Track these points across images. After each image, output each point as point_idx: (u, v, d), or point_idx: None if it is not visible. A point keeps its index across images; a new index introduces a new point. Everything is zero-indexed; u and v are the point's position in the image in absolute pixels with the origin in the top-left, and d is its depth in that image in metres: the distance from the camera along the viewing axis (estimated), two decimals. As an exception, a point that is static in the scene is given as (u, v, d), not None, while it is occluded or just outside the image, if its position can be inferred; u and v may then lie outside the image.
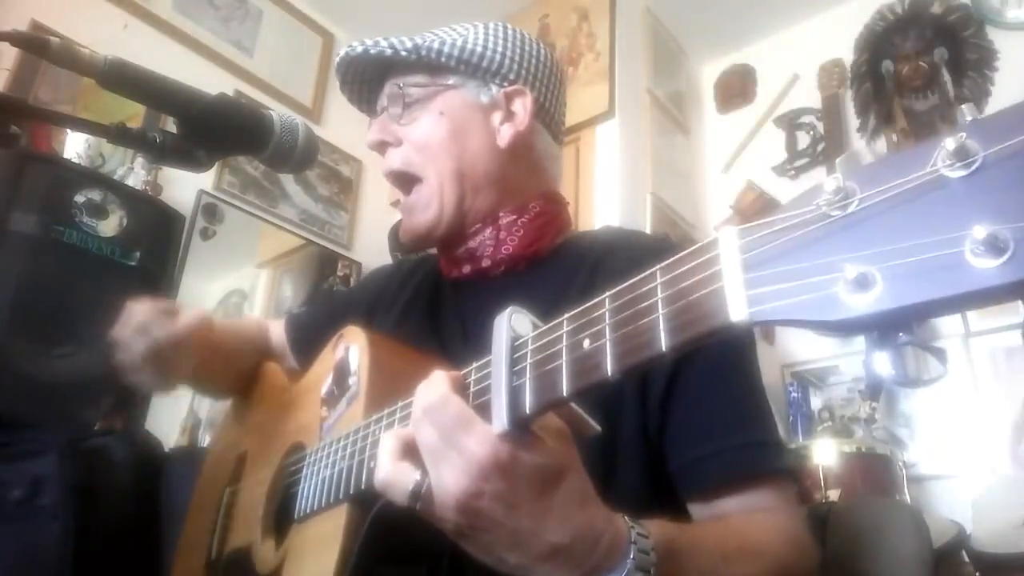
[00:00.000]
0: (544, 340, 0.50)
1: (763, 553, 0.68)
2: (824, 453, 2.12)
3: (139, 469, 1.23)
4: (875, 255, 0.34)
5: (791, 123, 3.05)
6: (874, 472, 2.11)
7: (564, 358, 0.48)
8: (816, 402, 2.64)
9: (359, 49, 0.96)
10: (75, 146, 2.14)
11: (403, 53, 0.94)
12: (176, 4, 2.71)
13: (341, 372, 0.83)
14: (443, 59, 0.94)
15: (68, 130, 2.08)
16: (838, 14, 3.02)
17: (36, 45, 0.69)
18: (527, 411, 0.50)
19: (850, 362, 2.60)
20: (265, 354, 1.18)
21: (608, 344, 0.45)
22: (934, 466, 2.34)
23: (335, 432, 0.78)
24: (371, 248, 3.13)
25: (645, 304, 0.43)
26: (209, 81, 2.18)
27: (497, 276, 0.95)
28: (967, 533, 1.93)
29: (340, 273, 3.05)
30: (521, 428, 0.51)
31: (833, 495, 2.00)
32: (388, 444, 0.57)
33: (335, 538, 0.69)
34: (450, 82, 0.96)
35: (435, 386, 0.54)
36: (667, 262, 0.43)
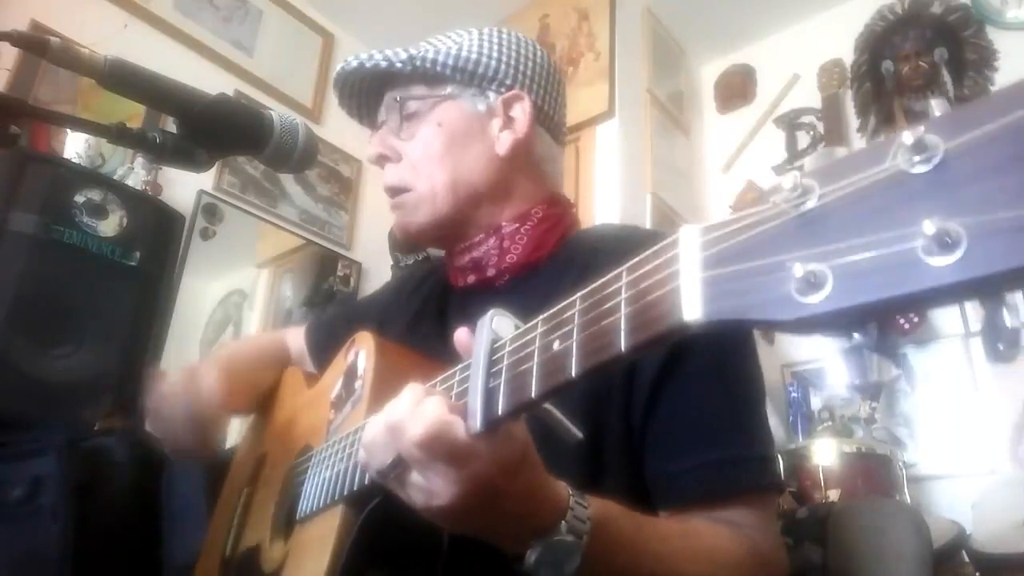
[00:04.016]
0: (520, 342, 0.51)
1: (716, 558, 0.68)
2: (824, 453, 2.12)
3: (139, 469, 1.22)
4: (827, 252, 0.33)
5: (791, 123, 3.05)
6: (874, 472, 2.11)
7: (535, 360, 0.48)
8: (816, 402, 2.63)
9: (354, 63, 0.95)
10: (75, 146, 2.14)
11: (398, 65, 0.93)
12: (176, 4, 2.71)
13: (349, 376, 0.85)
14: (438, 68, 0.93)
15: (68, 130, 2.08)
16: (838, 14, 3.02)
17: (36, 45, 0.69)
18: (499, 413, 0.50)
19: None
20: (285, 364, 1.20)
21: (574, 345, 0.45)
22: (934, 466, 2.34)
23: (339, 434, 0.79)
24: (371, 248, 3.13)
25: (610, 304, 0.43)
26: (209, 81, 2.18)
27: (502, 284, 0.95)
28: (967, 533, 1.93)
29: (340, 273, 3.05)
30: (495, 429, 0.52)
31: (833, 495, 2.00)
32: (387, 415, 0.57)
33: (329, 539, 0.69)
34: (447, 91, 0.95)
35: (424, 416, 0.54)
36: (633, 261, 0.43)
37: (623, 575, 0.62)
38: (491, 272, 0.95)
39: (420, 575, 0.69)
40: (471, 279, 0.97)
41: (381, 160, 0.97)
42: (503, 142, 0.95)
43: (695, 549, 0.68)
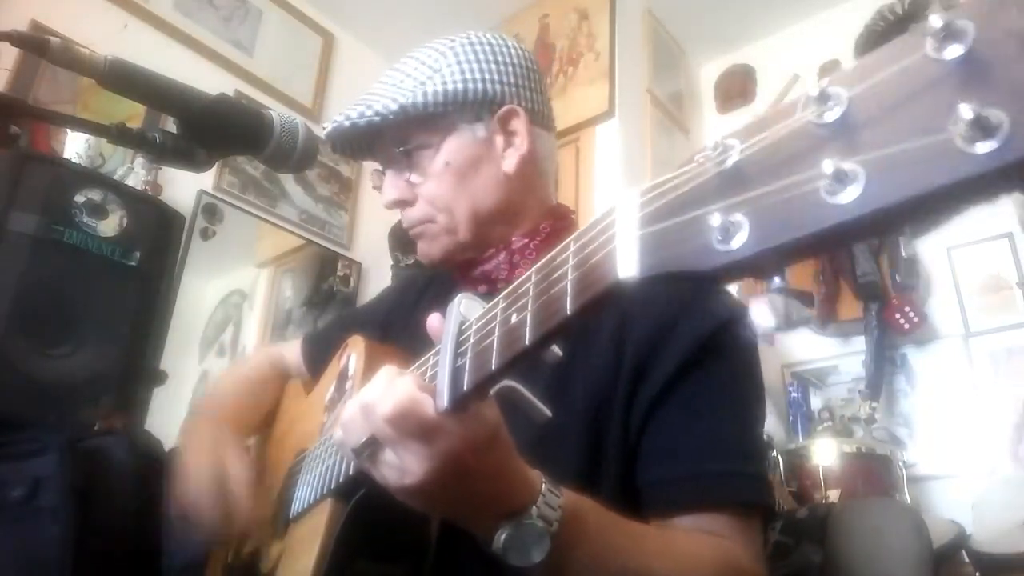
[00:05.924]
0: (484, 320, 0.53)
1: (688, 561, 0.69)
2: (824, 453, 2.12)
3: (139, 469, 1.22)
4: (744, 201, 0.35)
5: (791, 123, 3.05)
6: (874, 472, 2.12)
7: (496, 334, 0.50)
8: (816, 402, 2.64)
9: (346, 124, 0.93)
10: (75, 146, 2.14)
11: (391, 117, 0.91)
12: (176, 4, 2.71)
13: (342, 379, 0.86)
14: (430, 110, 0.91)
15: (68, 130, 2.08)
16: (838, 14, 3.03)
17: (36, 45, 0.69)
18: (464, 389, 0.52)
19: (850, 362, 2.60)
20: (285, 380, 1.21)
21: (529, 315, 0.47)
22: (934, 466, 2.34)
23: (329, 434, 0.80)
24: (371, 248, 3.13)
25: (560, 272, 0.45)
26: (209, 81, 2.18)
27: None
28: (967, 533, 1.93)
29: (340, 273, 3.05)
30: (463, 407, 0.53)
31: (833, 495, 2.01)
32: (361, 396, 0.58)
33: (318, 532, 0.71)
34: (444, 126, 0.94)
35: (394, 393, 0.55)
36: (580, 230, 0.45)
37: (592, 568, 0.62)
38: (501, 285, 0.95)
39: (410, 566, 0.70)
40: (482, 289, 0.98)
41: (399, 204, 0.98)
42: (509, 160, 0.95)
43: (667, 549, 0.69)
